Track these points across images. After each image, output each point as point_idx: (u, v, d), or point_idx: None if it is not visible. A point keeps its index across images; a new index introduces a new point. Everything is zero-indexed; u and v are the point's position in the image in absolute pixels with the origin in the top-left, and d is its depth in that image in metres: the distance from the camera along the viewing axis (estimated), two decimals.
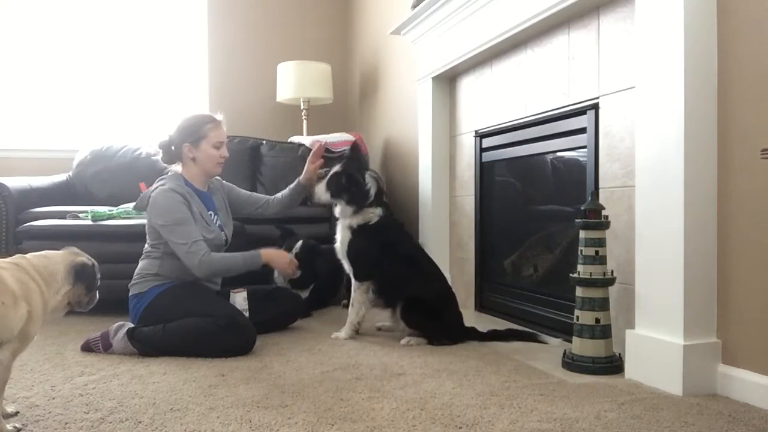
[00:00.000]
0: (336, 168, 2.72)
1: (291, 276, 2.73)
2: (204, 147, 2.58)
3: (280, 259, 2.63)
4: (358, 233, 2.64)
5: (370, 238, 2.63)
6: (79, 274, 1.68)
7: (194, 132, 2.58)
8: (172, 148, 2.61)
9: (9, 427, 1.56)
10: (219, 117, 2.65)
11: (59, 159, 4.49)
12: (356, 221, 2.64)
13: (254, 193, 2.96)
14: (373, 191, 2.67)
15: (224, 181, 2.86)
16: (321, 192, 2.69)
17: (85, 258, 1.73)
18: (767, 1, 1.71)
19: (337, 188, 2.66)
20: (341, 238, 2.68)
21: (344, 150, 4.12)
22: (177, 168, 2.64)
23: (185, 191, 2.52)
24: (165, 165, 2.67)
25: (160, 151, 2.64)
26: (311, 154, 2.85)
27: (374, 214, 2.66)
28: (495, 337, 2.55)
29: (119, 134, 4.66)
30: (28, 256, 1.64)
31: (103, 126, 4.76)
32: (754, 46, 1.74)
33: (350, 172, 2.66)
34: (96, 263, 1.76)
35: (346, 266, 2.71)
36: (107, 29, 4.79)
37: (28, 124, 4.65)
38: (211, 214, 2.61)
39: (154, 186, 2.56)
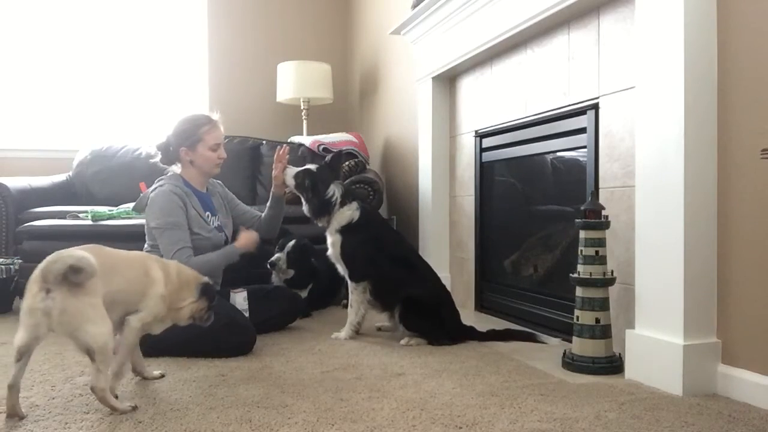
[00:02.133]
0: (309, 165, 2.74)
1: (252, 248, 2.64)
2: (201, 150, 2.58)
3: (250, 240, 2.60)
4: (346, 233, 2.63)
5: (360, 235, 2.63)
6: (203, 291, 1.96)
7: (190, 135, 2.57)
8: (170, 149, 2.61)
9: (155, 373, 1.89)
10: (215, 117, 2.64)
11: (59, 159, 4.50)
12: (340, 222, 2.64)
13: (251, 210, 2.92)
14: (336, 196, 2.65)
15: (227, 190, 2.86)
16: (289, 176, 2.71)
17: (207, 279, 2.03)
18: (767, 2, 1.71)
19: (300, 184, 2.69)
20: (332, 242, 2.68)
21: (345, 149, 4.13)
22: (176, 168, 2.64)
23: (184, 192, 2.52)
24: (164, 166, 2.66)
25: (159, 152, 2.64)
26: (275, 159, 2.79)
27: (351, 210, 2.65)
28: (494, 337, 2.55)
29: (119, 134, 4.66)
30: (170, 261, 2.02)
31: (103, 126, 4.76)
32: (754, 46, 1.74)
33: (313, 177, 2.67)
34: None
35: (341, 269, 2.70)
36: (107, 29, 4.80)
37: (28, 124, 4.65)
38: (208, 215, 2.61)
39: (154, 187, 2.56)
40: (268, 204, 2.87)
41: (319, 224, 2.71)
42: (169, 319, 1.94)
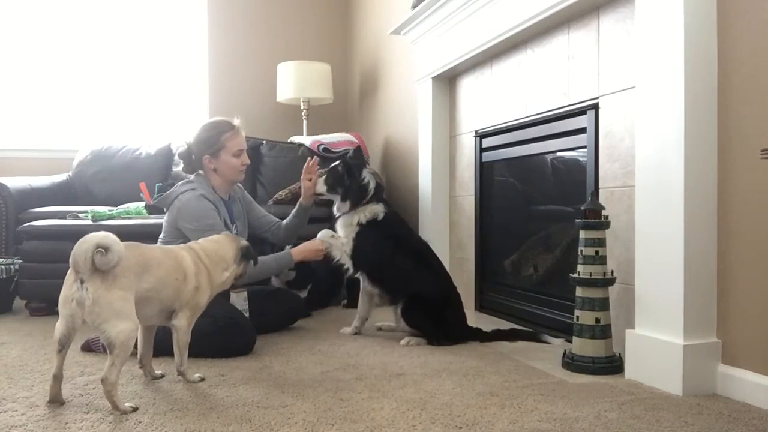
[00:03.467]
0: (335, 163, 2.75)
1: (311, 260, 2.70)
2: (224, 157, 2.56)
3: (311, 251, 2.63)
4: (367, 228, 2.62)
5: (381, 233, 2.62)
6: (245, 255, 2.09)
7: (213, 143, 2.55)
8: (192, 157, 2.58)
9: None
10: (236, 122, 2.61)
11: (59, 159, 4.49)
12: (364, 217, 2.63)
13: (268, 215, 2.90)
14: (372, 186, 2.66)
15: (246, 193, 2.84)
16: (320, 186, 2.72)
17: (246, 242, 2.13)
18: (767, 2, 1.72)
19: (333, 182, 2.69)
20: (345, 233, 2.65)
21: (345, 150, 4.13)
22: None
23: (215, 199, 2.52)
24: (186, 175, 2.65)
25: (181, 161, 2.62)
26: (304, 171, 2.79)
27: (379, 210, 2.65)
28: (498, 337, 2.55)
29: (119, 134, 4.66)
30: (200, 241, 2.07)
31: (103, 126, 4.76)
32: (754, 46, 1.75)
33: (347, 165, 2.68)
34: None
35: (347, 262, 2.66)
36: (108, 29, 4.79)
37: (28, 124, 4.65)
38: (231, 224, 2.60)
39: (182, 188, 2.52)
40: (293, 212, 2.85)
41: (343, 210, 2.65)
42: (214, 293, 2.03)
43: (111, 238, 1.65)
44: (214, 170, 2.58)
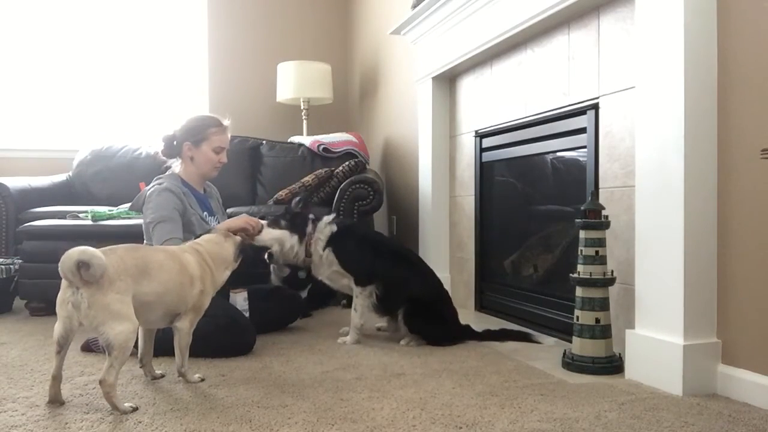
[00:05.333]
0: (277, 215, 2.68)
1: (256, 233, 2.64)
2: (204, 149, 2.59)
3: (240, 226, 2.58)
4: (335, 243, 2.58)
5: (351, 239, 2.61)
6: (242, 251, 2.12)
7: (197, 133, 2.59)
8: (174, 143, 2.62)
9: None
10: (225, 122, 2.65)
11: (59, 159, 4.50)
12: (324, 235, 2.59)
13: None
14: (306, 214, 2.63)
15: (221, 201, 2.86)
16: (265, 234, 2.57)
17: (239, 238, 2.17)
18: (766, 1, 1.71)
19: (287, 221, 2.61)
20: (327, 261, 2.59)
21: (345, 149, 4.14)
22: (175, 167, 2.65)
23: (181, 191, 2.52)
24: (164, 159, 2.67)
25: (162, 143, 2.65)
26: (241, 221, 2.68)
27: (328, 221, 2.62)
28: (489, 337, 2.55)
29: (119, 134, 4.66)
30: (202, 243, 2.05)
31: (103, 126, 4.76)
32: (754, 46, 1.74)
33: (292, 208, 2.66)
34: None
35: (345, 281, 2.62)
36: (107, 29, 4.80)
37: (28, 124, 4.65)
38: (206, 215, 2.62)
39: (151, 185, 2.56)
40: None
41: (305, 259, 2.63)
42: (214, 293, 2.05)
43: (89, 252, 1.63)
44: (191, 159, 2.61)
